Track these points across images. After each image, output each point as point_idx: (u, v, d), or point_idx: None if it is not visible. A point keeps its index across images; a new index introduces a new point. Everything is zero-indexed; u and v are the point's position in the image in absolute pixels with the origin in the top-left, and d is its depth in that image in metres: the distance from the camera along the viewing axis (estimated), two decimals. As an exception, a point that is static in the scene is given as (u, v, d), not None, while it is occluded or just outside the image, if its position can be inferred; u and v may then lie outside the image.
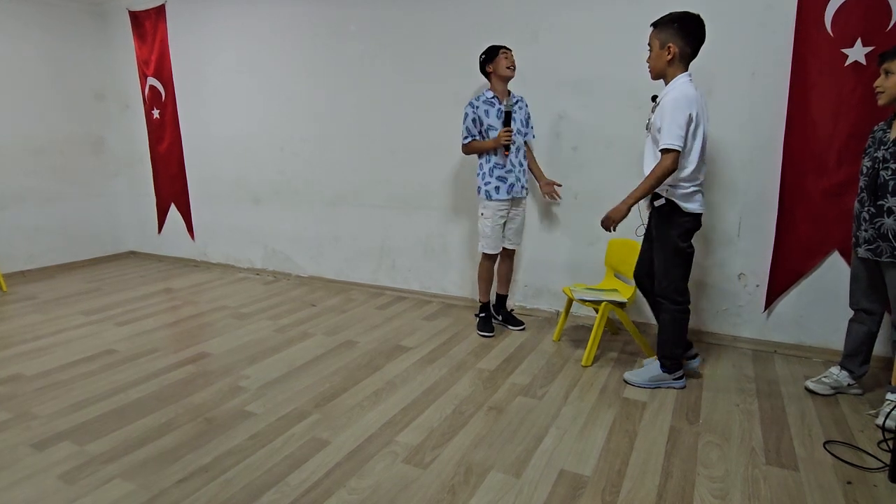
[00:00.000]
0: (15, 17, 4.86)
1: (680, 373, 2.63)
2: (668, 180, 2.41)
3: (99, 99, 5.58)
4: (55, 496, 1.86)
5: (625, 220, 2.52)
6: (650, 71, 2.47)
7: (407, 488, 1.88)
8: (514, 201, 3.28)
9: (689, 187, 2.41)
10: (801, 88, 2.80)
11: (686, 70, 2.39)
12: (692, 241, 2.54)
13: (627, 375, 2.70)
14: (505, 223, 3.30)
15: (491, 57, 3.12)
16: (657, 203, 2.49)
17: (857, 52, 2.66)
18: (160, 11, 5.04)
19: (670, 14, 2.35)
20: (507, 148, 3.11)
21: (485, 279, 3.41)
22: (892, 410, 2.19)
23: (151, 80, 5.30)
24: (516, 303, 3.84)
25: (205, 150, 5.17)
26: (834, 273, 2.89)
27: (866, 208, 2.29)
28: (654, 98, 2.51)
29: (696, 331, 3.27)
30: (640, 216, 2.61)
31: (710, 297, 3.21)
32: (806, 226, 2.90)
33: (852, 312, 2.51)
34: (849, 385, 2.52)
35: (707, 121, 2.42)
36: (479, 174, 3.25)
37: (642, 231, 2.75)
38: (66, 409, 2.47)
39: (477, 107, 3.16)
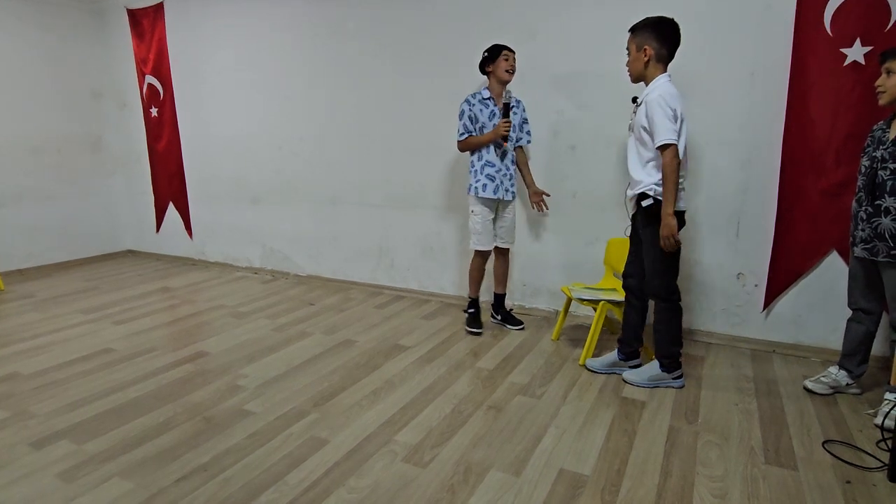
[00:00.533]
0: (13, 15, 4.84)
1: (679, 372, 2.63)
2: (654, 179, 2.43)
3: (96, 97, 5.56)
4: (53, 495, 1.85)
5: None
6: (629, 74, 2.52)
7: (406, 487, 1.88)
8: (502, 203, 3.31)
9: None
10: (800, 88, 2.80)
11: (665, 71, 2.44)
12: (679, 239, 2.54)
13: (627, 375, 2.70)
14: (496, 222, 3.33)
15: (493, 57, 3.12)
16: (645, 203, 2.49)
17: (856, 52, 2.66)
18: (158, 9, 5.02)
19: (646, 18, 2.42)
20: (506, 139, 3.13)
21: (476, 276, 3.44)
22: (890, 410, 2.19)
23: (150, 79, 5.28)
24: (515, 302, 3.84)
25: (203, 148, 5.16)
26: (832, 273, 2.89)
27: (864, 208, 2.30)
28: (634, 100, 2.54)
29: (695, 330, 3.27)
30: (626, 209, 2.61)
31: (709, 296, 3.22)
32: (805, 225, 2.91)
33: (850, 312, 2.52)
34: (847, 385, 2.53)
35: (687, 121, 2.45)
36: (470, 171, 3.27)
37: (629, 231, 2.76)
38: (63, 408, 2.46)
39: (473, 104, 3.17)
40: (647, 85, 2.46)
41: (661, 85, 2.39)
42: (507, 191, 3.26)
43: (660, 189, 2.43)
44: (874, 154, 2.27)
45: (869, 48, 2.62)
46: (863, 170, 2.33)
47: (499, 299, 3.58)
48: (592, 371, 2.80)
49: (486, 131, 3.17)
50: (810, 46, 2.75)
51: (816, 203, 2.86)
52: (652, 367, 2.65)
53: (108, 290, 4.49)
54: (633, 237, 2.70)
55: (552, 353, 3.08)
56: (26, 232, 5.10)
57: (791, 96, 2.83)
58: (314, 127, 4.45)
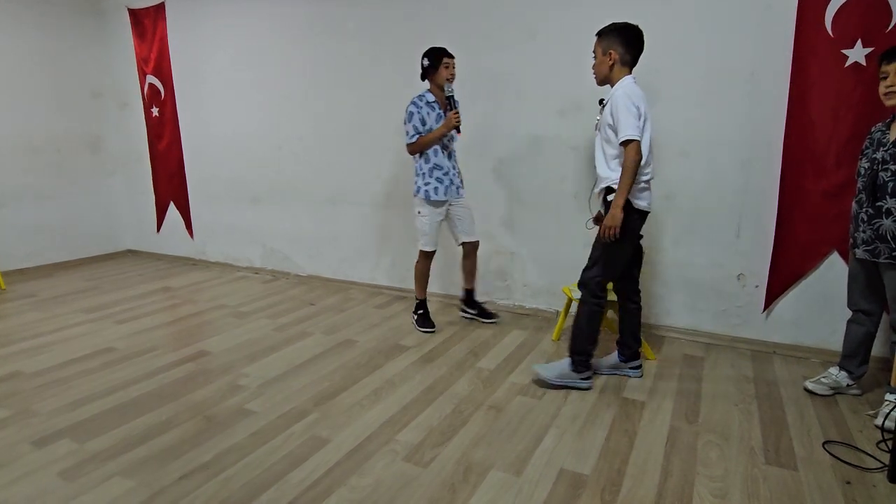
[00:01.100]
0: (13, 15, 4.85)
1: (588, 374, 2.62)
2: (619, 175, 2.44)
3: (97, 97, 5.57)
4: (55, 493, 1.85)
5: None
6: (595, 77, 2.58)
7: (407, 487, 1.88)
8: (452, 201, 3.37)
9: (639, 182, 2.46)
10: (801, 89, 2.81)
11: (630, 73, 2.49)
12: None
13: (537, 367, 2.69)
14: (454, 220, 3.40)
15: (434, 66, 3.17)
16: (610, 198, 2.51)
17: (857, 53, 2.66)
18: (160, 9, 5.03)
19: (612, 24, 2.50)
20: (458, 129, 3.18)
21: (421, 277, 3.49)
22: (891, 411, 2.19)
23: (151, 79, 5.29)
24: (516, 302, 3.84)
25: (204, 148, 5.16)
26: (833, 274, 2.90)
27: (864, 209, 2.30)
28: (601, 102, 2.58)
29: (696, 331, 3.28)
30: (589, 208, 2.59)
31: (710, 297, 3.22)
32: (805, 226, 2.91)
33: (850, 313, 2.52)
34: (848, 385, 2.53)
35: (650, 120, 2.48)
36: (418, 174, 3.30)
37: (591, 225, 2.78)
38: (65, 407, 2.46)
39: (420, 107, 3.21)
40: (612, 87, 2.51)
41: (625, 85, 2.44)
42: (456, 189, 3.35)
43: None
44: (874, 156, 2.27)
45: (870, 49, 2.63)
46: (862, 171, 2.33)
47: (470, 294, 3.63)
48: (541, 378, 2.65)
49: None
50: (811, 47, 2.75)
51: (817, 204, 2.86)
52: (562, 364, 2.64)
53: (110, 290, 4.49)
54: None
55: (553, 353, 3.09)
56: (27, 232, 5.10)
57: (792, 97, 2.83)
58: (314, 127, 4.46)
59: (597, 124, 2.56)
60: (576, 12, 3.28)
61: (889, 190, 2.20)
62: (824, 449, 2.11)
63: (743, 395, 2.58)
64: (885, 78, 2.20)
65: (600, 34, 2.52)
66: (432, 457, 2.06)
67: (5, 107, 4.87)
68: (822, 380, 2.57)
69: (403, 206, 4.16)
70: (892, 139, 2.22)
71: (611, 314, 3.18)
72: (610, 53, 2.47)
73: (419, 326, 3.48)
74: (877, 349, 2.63)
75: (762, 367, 2.90)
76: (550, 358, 2.99)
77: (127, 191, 5.84)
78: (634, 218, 2.49)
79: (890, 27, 2.59)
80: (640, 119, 2.38)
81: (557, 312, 3.65)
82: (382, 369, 2.87)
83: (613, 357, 2.80)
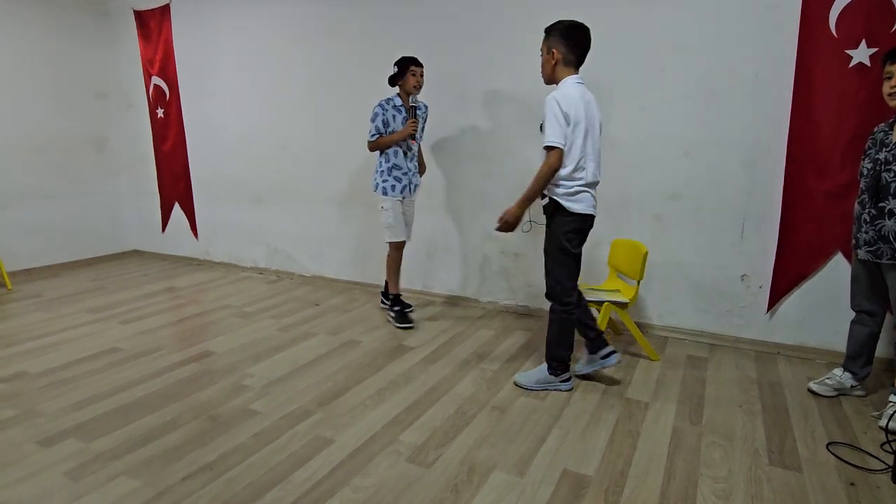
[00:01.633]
0: (19, 17, 4.88)
1: (567, 376, 2.61)
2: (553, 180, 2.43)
3: (102, 98, 5.59)
4: (61, 493, 1.87)
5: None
6: (542, 75, 2.54)
7: (410, 487, 1.89)
8: (407, 200, 3.56)
9: (572, 186, 2.42)
10: (805, 90, 2.80)
11: (575, 73, 2.44)
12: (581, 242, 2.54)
13: (517, 377, 2.69)
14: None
15: (401, 73, 3.34)
16: (543, 202, 2.52)
17: (861, 54, 2.66)
18: (165, 11, 5.05)
19: (559, 22, 2.43)
20: (414, 137, 3.40)
21: (394, 269, 3.62)
22: (895, 412, 2.19)
23: (156, 80, 5.31)
24: (519, 303, 3.84)
25: (209, 149, 5.18)
26: (837, 274, 2.89)
27: (867, 210, 2.29)
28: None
29: (699, 331, 3.27)
30: (528, 213, 2.57)
31: (713, 298, 3.22)
32: (809, 227, 2.90)
33: (854, 314, 2.51)
34: (852, 387, 2.52)
35: (595, 123, 2.44)
36: (377, 171, 3.51)
37: (529, 228, 2.82)
38: (71, 407, 2.48)
39: (387, 110, 3.39)
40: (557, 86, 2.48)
41: (561, 87, 2.41)
42: (414, 188, 3.56)
43: (554, 188, 2.44)
44: (877, 156, 2.27)
45: (874, 49, 2.62)
46: (865, 172, 2.33)
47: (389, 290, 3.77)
48: (522, 387, 2.65)
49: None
50: (815, 48, 2.74)
51: (821, 204, 2.86)
52: (540, 371, 2.64)
53: (115, 290, 4.52)
54: None
55: (556, 353, 3.08)
56: (33, 232, 5.13)
57: (796, 97, 2.83)
58: (318, 127, 4.47)
59: (541, 125, 2.51)
60: (579, 15, 3.25)
61: (892, 191, 2.19)
62: (828, 450, 2.11)
63: (747, 396, 2.58)
64: (890, 78, 2.19)
65: (546, 32, 2.46)
66: (436, 457, 2.07)
67: (11, 107, 4.90)
68: (826, 381, 2.57)
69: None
70: (895, 140, 2.22)
71: (614, 315, 3.18)
72: (553, 52, 2.42)
73: (397, 324, 3.53)
74: (880, 350, 2.63)
75: (766, 368, 2.89)
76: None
77: (132, 191, 5.86)
78: (570, 219, 2.45)
79: (895, 27, 2.58)
80: (568, 125, 2.34)
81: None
82: (386, 370, 2.88)
83: (584, 355, 2.72)
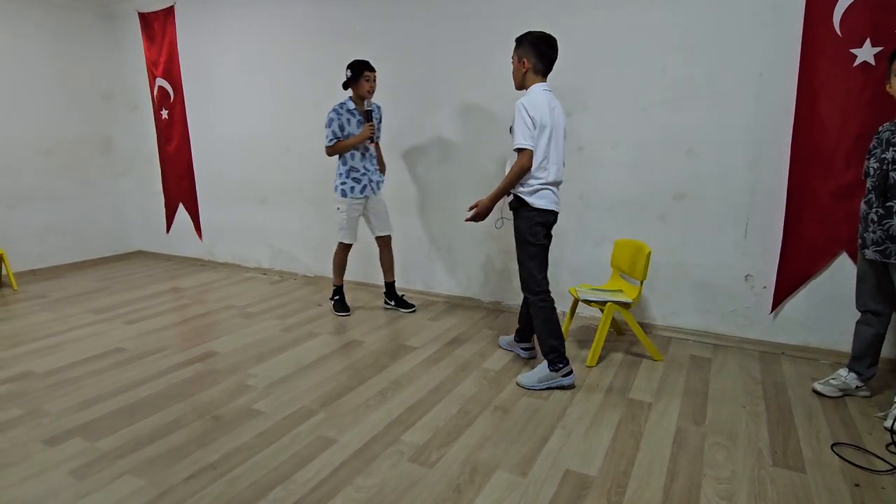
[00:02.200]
0: (25, 20, 4.91)
1: (567, 369, 2.63)
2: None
3: (107, 99, 5.62)
4: (65, 492, 1.88)
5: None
6: (514, 82, 2.67)
7: (413, 487, 1.89)
8: (370, 198, 3.67)
9: (535, 185, 2.55)
10: (809, 89, 2.79)
11: (543, 81, 2.58)
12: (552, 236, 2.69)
13: (520, 378, 2.71)
14: (370, 216, 3.71)
15: (355, 78, 3.45)
16: (508, 199, 2.66)
17: (865, 53, 2.64)
18: (169, 13, 5.07)
19: (529, 33, 2.56)
20: (372, 139, 3.51)
21: (339, 265, 3.83)
22: (900, 413, 2.18)
23: (160, 81, 5.34)
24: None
25: (212, 150, 5.20)
26: (841, 274, 2.87)
27: (874, 210, 2.28)
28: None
29: (703, 332, 3.26)
30: (500, 210, 2.75)
31: (718, 298, 3.20)
32: (813, 227, 2.89)
33: (859, 314, 2.50)
34: (857, 387, 2.51)
35: (560, 127, 2.58)
36: (337, 174, 3.63)
37: (501, 224, 3.01)
38: (76, 407, 2.49)
39: (341, 114, 3.48)
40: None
41: (531, 93, 2.54)
42: (374, 187, 3.65)
43: (519, 187, 2.58)
44: (883, 156, 2.26)
45: (879, 48, 2.60)
46: (871, 172, 2.32)
47: (390, 287, 3.92)
48: (524, 388, 2.66)
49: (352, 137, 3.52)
50: (819, 47, 2.73)
51: (826, 204, 2.84)
52: (541, 369, 2.67)
53: (119, 291, 4.54)
54: None
55: (559, 354, 3.08)
56: (38, 233, 5.16)
57: (800, 97, 2.81)
58: (321, 128, 4.45)
59: (510, 128, 2.64)
60: (583, 17, 3.27)
61: (898, 190, 2.18)
62: (833, 451, 2.10)
63: (750, 396, 2.57)
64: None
65: (517, 42, 2.60)
66: (438, 457, 2.07)
67: (18, 109, 4.93)
68: (831, 381, 2.55)
69: (408, 209, 4.17)
70: (901, 139, 2.21)
71: (617, 315, 3.17)
72: (524, 62, 2.56)
73: (336, 311, 3.82)
74: (886, 350, 2.62)
75: (770, 369, 2.88)
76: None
77: (137, 192, 5.90)
78: (533, 214, 2.58)
79: (899, 26, 2.57)
80: (534, 129, 2.48)
81: (563, 313, 3.64)
82: (389, 370, 2.89)
83: (510, 336, 3.08)
